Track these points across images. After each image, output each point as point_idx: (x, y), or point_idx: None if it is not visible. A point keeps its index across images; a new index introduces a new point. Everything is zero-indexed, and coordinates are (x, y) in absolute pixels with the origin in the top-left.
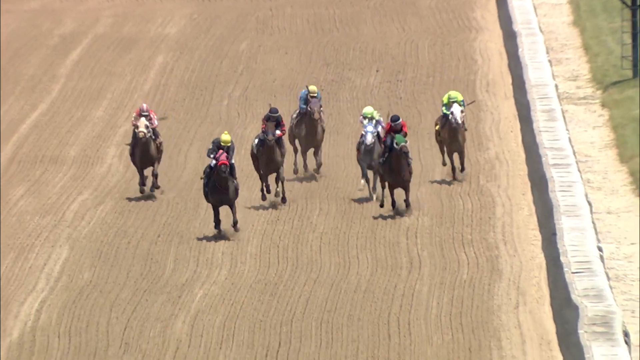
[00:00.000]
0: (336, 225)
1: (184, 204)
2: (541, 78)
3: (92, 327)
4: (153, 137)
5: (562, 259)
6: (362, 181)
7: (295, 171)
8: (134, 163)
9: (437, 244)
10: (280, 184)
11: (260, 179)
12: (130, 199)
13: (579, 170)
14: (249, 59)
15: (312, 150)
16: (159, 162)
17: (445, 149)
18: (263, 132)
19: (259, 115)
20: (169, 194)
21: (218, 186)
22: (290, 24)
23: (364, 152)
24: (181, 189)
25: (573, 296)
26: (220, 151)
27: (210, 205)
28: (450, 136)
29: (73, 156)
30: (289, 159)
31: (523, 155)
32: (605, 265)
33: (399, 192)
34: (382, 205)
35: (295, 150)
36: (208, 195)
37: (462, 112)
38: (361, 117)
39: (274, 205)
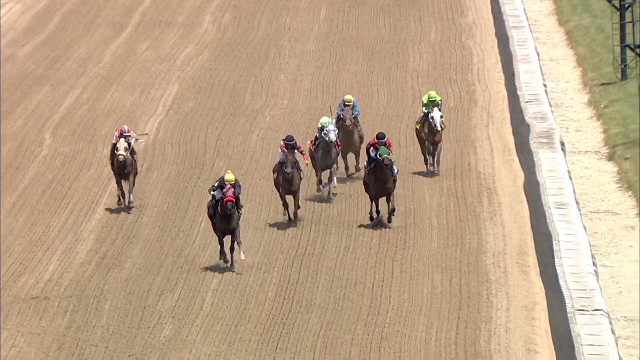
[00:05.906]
0: (364, 68)
1: (257, 55)
2: None
3: (194, 139)
4: (130, 156)
5: (518, 92)
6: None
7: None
8: (114, 174)
9: (431, 82)
10: (296, 208)
11: (282, 200)
12: (221, 51)
13: (530, 31)
14: None
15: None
16: (134, 177)
17: (425, 145)
18: (282, 163)
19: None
20: (247, 48)
21: (223, 216)
22: None
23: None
24: (256, 44)
25: (526, 118)
26: (228, 185)
27: (217, 229)
28: (428, 135)
29: (181, 21)
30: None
31: (492, 20)
32: (548, 97)
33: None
34: (372, 219)
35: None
36: (215, 225)
37: (441, 116)
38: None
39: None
